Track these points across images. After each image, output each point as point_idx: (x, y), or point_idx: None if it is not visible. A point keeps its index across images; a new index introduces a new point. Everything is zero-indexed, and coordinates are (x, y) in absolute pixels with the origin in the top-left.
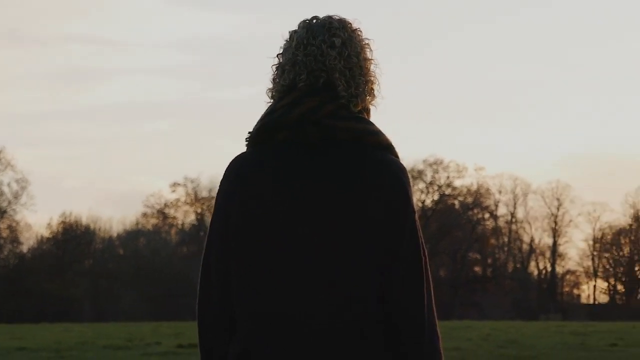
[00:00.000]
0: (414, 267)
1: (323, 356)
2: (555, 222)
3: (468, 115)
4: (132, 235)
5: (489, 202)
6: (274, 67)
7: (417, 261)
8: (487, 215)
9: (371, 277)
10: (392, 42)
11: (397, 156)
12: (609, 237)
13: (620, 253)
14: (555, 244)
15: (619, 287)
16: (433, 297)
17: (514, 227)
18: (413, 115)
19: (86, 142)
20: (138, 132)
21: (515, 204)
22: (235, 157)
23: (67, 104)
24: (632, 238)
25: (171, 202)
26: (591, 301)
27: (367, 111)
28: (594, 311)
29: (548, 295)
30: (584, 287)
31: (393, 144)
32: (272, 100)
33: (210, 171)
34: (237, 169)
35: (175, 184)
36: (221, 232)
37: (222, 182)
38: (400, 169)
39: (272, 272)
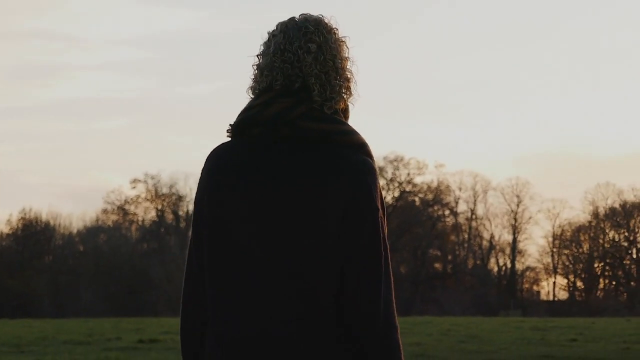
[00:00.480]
0: (373, 263)
1: (283, 356)
2: (515, 219)
3: (429, 112)
4: (92, 232)
5: (449, 198)
6: (254, 67)
7: (376, 257)
8: (447, 212)
9: (330, 274)
10: (349, 37)
11: (369, 155)
12: (568, 233)
13: (580, 250)
14: (515, 240)
15: (579, 283)
16: (393, 292)
17: (474, 223)
18: (373, 112)
19: (46, 138)
20: (98, 128)
21: (475, 200)
22: (215, 148)
23: (26, 99)
24: (592, 235)
25: (131, 199)
26: (551, 298)
27: (344, 110)
28: (554, 307)
29: (508, 291)
30: (544, 283)
31: (367, 143)
32: (252, 97)
33: (171, 168)
34: (216, 158)
35: (135, 181)
36: (197, 219)
37: (203, 167)
38: (367, 166)
39: (234, 269)
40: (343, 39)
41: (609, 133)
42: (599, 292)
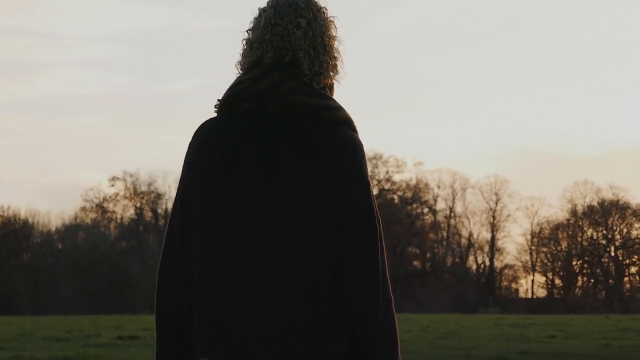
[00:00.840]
0: (368, 236)
1: (280, 338)
2: (494, 217)
3: (408, 110)
4: (71, 230)
5: (428, 196)
6: (244, 42)
7: (371, 229)
8: (426, 210)
9: (325, 248)
10: (338, 17)
11: (355, 130)
12: (546, 231)
13: (558, 247)
14: (493, 238)
15: (557, 281)
16: (386, 265)
17: (452, 221)
18: (352, 110)
19: (24, 135)
20: (76, 125)
21: (454, 198)
22: (203, 123)
23: (4, 96)
24: (570, 232)
25: (110, 197)
26: (529, 295)
27: (331, 87)
28: (532, 305)
29: (486, 289)
30: (522, 281)
31: (352, 119)
32: (240, 72)
33: (149, 165)
34: (203, 130)
35: (114, 178)
36: (183, 196)
37: (190, 141)
38: (356, 142)
39: (227, 231)
40: (332, 19)
41: (587, 131)
42: (577, 289)
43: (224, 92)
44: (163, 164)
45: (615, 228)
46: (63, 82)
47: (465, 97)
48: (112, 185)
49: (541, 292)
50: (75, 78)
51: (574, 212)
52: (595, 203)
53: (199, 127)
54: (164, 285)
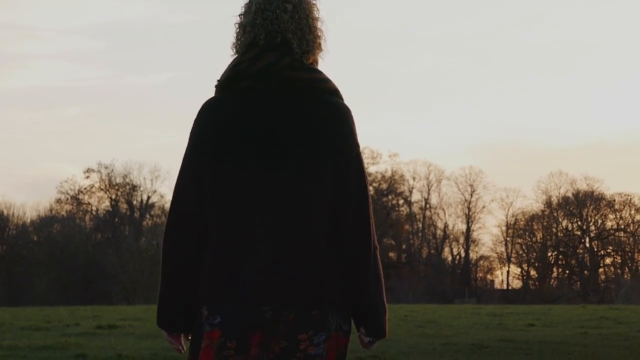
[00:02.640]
0: (361, 192)
1: (285, 261)
2: (469, 208)
3: (382, 102)
4: (46, 222)
5: (403, 188)
6: (236, 25)
7: (363, 187)
8: (401, 202)
9: (323, 203)
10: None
11: (342, 99)
12: (521, 223)
13: (533, 239)
14: (468, 229)
15: (532, 272)
16: (372, 216)
17: (428, 213)
18: None
19: None
20: (51, 117)
21: (429, 190)
22: (207, 100)
23: None
24: (545, 224)
25: (85, 188)
26: (504, 286)
27: (315, 62)
28: (508, 296)
29: (462, 280)
30: (498, 272)
31: (338, 89)
32: (235, 54)
33: (124, 157)
34: (208, 108)
35: (89, 170)
36: (192, 163)
37: (196, 118)
38: (346, 110)
39: (239, 190)
40: (314, 2)
41: (561, 124)
42: (552, 280)
43: (222, 73)
44: (138, 156)
45: (590, 219)
46: (38, 75)
47: (440, 89)
48: (87, 177)
49: (516, 284)
50: (51, 70)
51: (548, 204)
52: (569, 194)
53: (203, 105)
54: (172, 235)
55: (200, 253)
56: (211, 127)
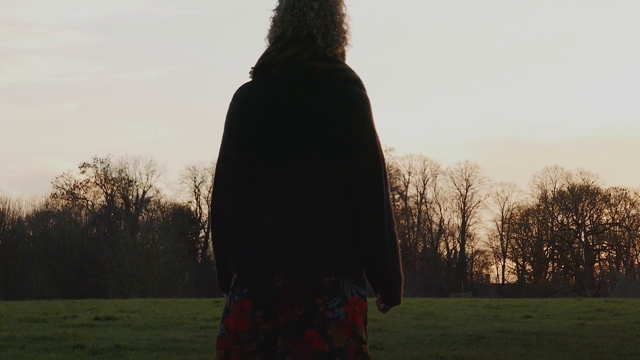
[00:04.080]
0: (375, 171)
1: (297, 232)
2: (464, 203)
3: (378, 96)
4: (42, 217)
5: (399, 182)
6: (270, 19)
7: (377, 166)
8: (397, 196)
9: (338, 174)
10: None
11: (363, 88)
12: (517, 217)
13: (529, 233)
14: (464, 224)
15: (528, 267)
16: (390, 197)
17: (423, 207)
18: None
19: None
20: (46, 112)
21: (424, 184)
22: (241, 86)
23: None
24: (540, 218)
25: (81, 183)
26: (500, 281)
27: (342, 54)
28: (503, 290)
29: (457, 275)
30: (493, 267)
31: (360, 78)
32: (268, 45)
33: (120, 152)
34: (241, 91)
35: (84, 165)
36: (227, 138)
37: (230, 103)
38: (364, 97)
39: (257, 166)
40: (341, 0)
41: (556, 119)
42: (547, 275)
43: (256, 60)
44: (134, 151)
45: (585, 213)
46: (33, 70)
47: (435, 84)
48: (83, 171)
49: (512, 278)
50: (46, 66)
51: (544, 198)
52: (565, 189)
53: (238, 89)
54: (215, 214)
55: None
56: (240, 108)
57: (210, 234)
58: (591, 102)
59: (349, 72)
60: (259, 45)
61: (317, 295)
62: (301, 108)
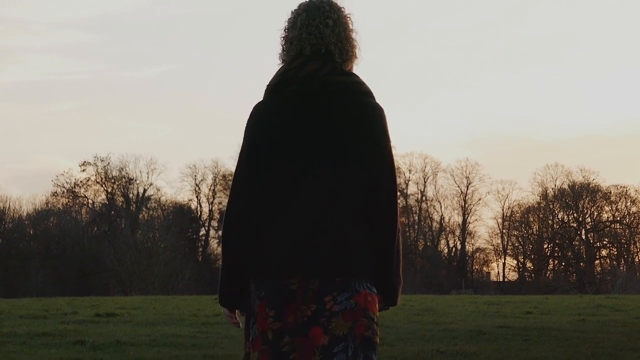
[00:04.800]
0: (390, 182)
1: (314, 236)
2: (465, 201)
3: (378, 94)
4: (43, 215)
5: (399, 180)
6: (282, 39)
7: (392, 177)
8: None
9: (357, 182)
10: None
11: (374, 99)
12: (517, 215)
13: (529, 231)
14: (465, 222)
15: (528, 264)
16: (398, 203)
17: (424, 205)
18: None
19: None
20: (47, 111)
21: (425, 182)
22: (258, 103)
23: None
24: (541, 216)
25: (81, 181)
26: (500, 279)
27: (351, 68)
28: (504, 288)
29: (458, 273)
30: (494, 264)
31: (371, 91)
32: (282, 63)
33: (120, 150)
34: (261, 109)
35: (85, 163)
36: (249, 152)
37: (249, 119)
38: (380, 109)
39: (283, 180)
40: (349, 16)
41: (556, 117)
42: (548, 272)
43: (271, 79)
44: (134, 149)
45: (585, 211)
46: (32, 69)
47: (436, 82)
48: (83, 170)
49: (512, 276)
50: (46, 64)
51: (544, 196)
52: (565, 186)
53: (254, 107)
54: (231, 222)
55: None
56: (262, 127)
57: (223, 244)
58: (591, 99)
59: (363, 85)
60: (258, 43)
61: (327, 293)
62: (322, 120)
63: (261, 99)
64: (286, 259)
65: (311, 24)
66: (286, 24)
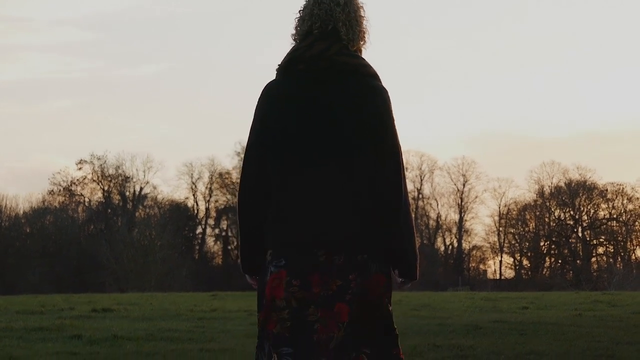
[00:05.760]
0: (395, 152)
1: (335, 214)
2: (461, 198)
3: None
4: (39, 213)
5: None
6: (296, 19)
7: (397, 155)
8: None
9: (366, 162)
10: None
11: (380, 81)
12: (514, 212)
13: (526, 228)
14: (461, 219)
15: (525, 262)
16: (406, 182)
17: (420, 203)
18: None
19: None
20: (43, 109)
21: (421, 180)
22: (269, 82)
23: None
24: (537, 213)
25: (78, 180)
26: (497, 276)
27: (360, 51)
28: (501, 286)
29: (455, 270)
30: (490, 262)
31: (377, 73)
32: (294, 42)
33: (117, 149)
34: (271, 88)
35: (81, 161)
36: (258, 128)
37: (259, 98)
38: (384, 90)
39: (297, 157)
40: (361, 4)
41: (553, 115)
42: (545, 270)
43: (283, 57)
44: (131, 147)
45: (582, 209)
46: (29, 67)
47: (432, 80)
48: (80, 168)
49: (509, 273)
50: (43, 62)
51: (541, 193)
52: (562, 184)
53: (266, 86)
54: (245, 195)
55: (265, 212)
56: (272, 105)
57: (239, 215)
58: (588, 97)
59: (369, 67)
60: (256, 42)
61: (350, 271)
62: (331, 102)
63: (272, 79)
64: (312, 232)
65: (323, 1)
66: (302, 6)
